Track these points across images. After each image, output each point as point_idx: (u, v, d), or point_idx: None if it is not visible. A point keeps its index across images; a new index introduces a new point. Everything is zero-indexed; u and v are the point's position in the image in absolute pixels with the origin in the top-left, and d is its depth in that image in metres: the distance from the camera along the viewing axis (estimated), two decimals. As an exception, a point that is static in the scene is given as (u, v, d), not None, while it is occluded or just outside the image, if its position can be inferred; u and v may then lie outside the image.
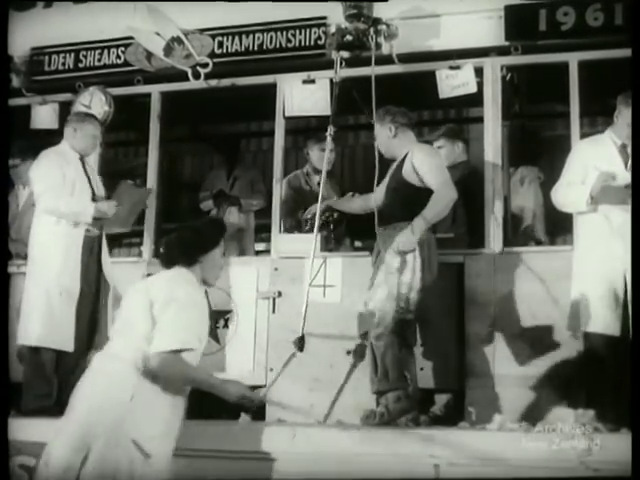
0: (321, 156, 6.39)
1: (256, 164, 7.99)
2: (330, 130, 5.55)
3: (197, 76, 6.19)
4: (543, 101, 6.74)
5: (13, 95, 6.37)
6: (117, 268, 6.19)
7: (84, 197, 5.77)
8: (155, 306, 3.83)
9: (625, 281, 4.78)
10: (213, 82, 6.27)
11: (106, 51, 6.53)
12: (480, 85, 5.77)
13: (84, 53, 6.56)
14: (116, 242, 6.59)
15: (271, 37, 6.18)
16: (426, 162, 5.22)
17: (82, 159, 5.87)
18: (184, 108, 6.58)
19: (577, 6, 5.53)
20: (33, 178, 5.81)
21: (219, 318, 5.90)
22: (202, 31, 6.27)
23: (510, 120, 5.87)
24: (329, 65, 5.81)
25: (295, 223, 6.12)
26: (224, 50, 6.27)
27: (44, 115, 6.65)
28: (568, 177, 5.10)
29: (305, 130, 7.19)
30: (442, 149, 6.06)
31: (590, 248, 4.96)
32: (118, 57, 6.50)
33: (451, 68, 5.78)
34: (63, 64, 6.62)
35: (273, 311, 5.81)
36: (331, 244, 5.92)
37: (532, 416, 5.02)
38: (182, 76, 6.22)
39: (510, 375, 5.32)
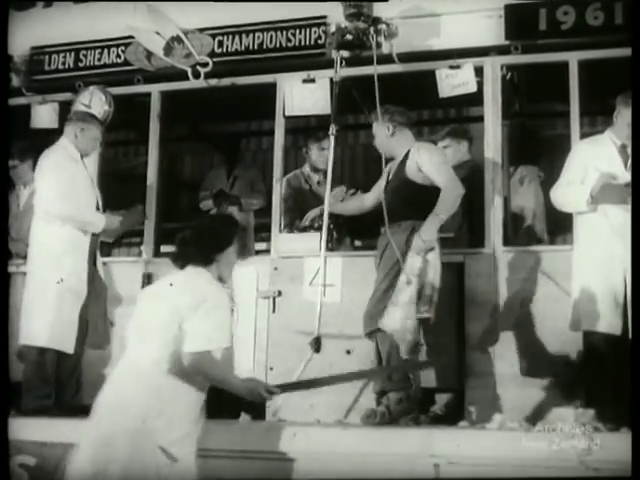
0: (320, 155, 6.40)
1: (256, 163, 7.98)
2: (332, 129, 5.55)
3: (197, 75, 6.18)
4: (543, 100, 6.73)
5: (13, 94, 6.37)
6: (117, 268, 6.21)
7: (91, 203, 5.82)
8: (182, 309, 3.81)
9: (625, 280, 4.78)
10: (213, 81, 6.27)
11: (106, 50, 6.52)
12: (480, 84, 5.77)
13: (84, 52, 6.56)
14: (116, 242, 6.58)
15: (271, 36, 6.18)
16: (431, 160, 5.24)
17: (82, 159, 5.88)
18: (184, 107, 6.58)
19: (577, 5, 5.53)
20: (42, 179, 5.76)
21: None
22: (202, 30, 6.27)
23: (510, 119, 5.87)
24: (329, 64, 5.81)
25: (295, 223, 6.11)
26: (224, 49, 6.27)
27: (44, 115, 6.65)
28: (568, 177, 5.10)
29: (305, 129, 7.19)
30: (448, 148, 6.07)
31: (590, 247, 4.96)
32: (118, 56, 6.50)
33: (451, 67, 5.78)
34: (63, 63, 6.61)
35: (273, 310, 5.81)
36: (331, 244, 5.91)
37: (532, 415, 5.03)
38: (182, 75, 6.22)
39: (510, 375, 5.32)
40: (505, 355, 5.34)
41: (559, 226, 5.82)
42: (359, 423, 4.98)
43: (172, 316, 3.82)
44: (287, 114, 6.16)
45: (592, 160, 5.02)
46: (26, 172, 6.65)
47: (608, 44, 5.39)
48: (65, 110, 6.51)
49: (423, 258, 4.99)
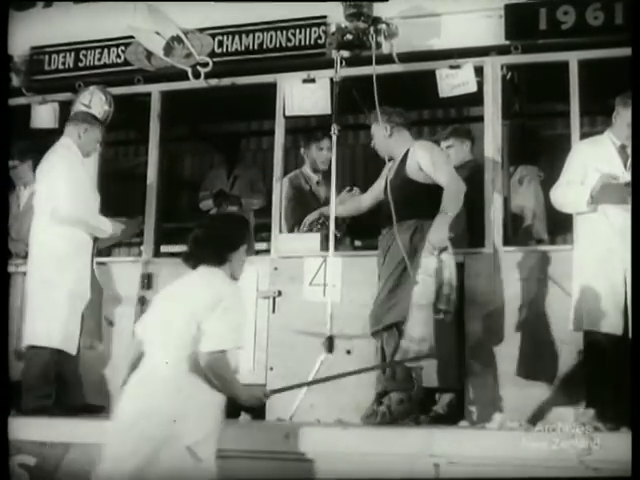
0: (319, 156, 6.40)
1: (256, 163, 7.98)
2: (334, 129, 5.55)
3: (197, 75, 6.18)
4: (543, 100, 6.73)
5: (13, 94, 6.37)
6: (117, 268, 6.21)
7: (96, 206, 5.85)
8: (200, 309, 3.81)
9: (625, 280, 4.78)
10: (213, 81, 6.27)
11: (106, 50, 6.53)
12: (480, 84, 5.77)
13: (84, 52, 6.56)
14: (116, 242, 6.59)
15: (271, 36, 6.18)
16: (432, 159, 5.25)
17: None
18: (184, 107, 6.58)
19: (577, 5, 5.53)
20: (52, 179, 5.73)
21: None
22: (202, 30, 6.27)
23: (510, 119, 5.87)
24: (329, 64, 5.81)
25: (297, 223, 6.11)
26: (224, 49, 6.27)
27: (44, 115, 6.65)
28: (567, 177, 5.10)
29: (305, 129, 7.19)
30: (451, 148, 6.06)
31: (590, 247, 4.96)
32: (118, 56, 6.50)
33: (451, 67, 5.78)
34: (63, 63, 6.62)
35: (273, 310, 5.82)
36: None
37: (532, 415, 5.02)
38: (182, 75, 6.22)
39: (510, 374, 5.32)
40: (505, 355, 5.34)
41: (559, 226, 5.82)
42: (359, 423, 4.98)
43: (191, 317, 3.82)
44: (287, 114, 6.17)
45: (592, 160, 5.02)
46: (26, 172, 6.65)
47: (608, 44, 5.39)
48: (65, 110, 6.51)
49: (437, 258, 4.98)
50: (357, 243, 6.27)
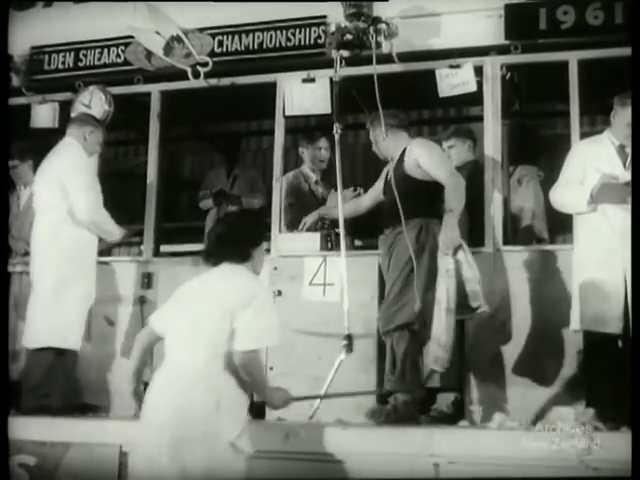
0: (316, 155, 6.40)
1: (256, 163, 7.99)
2: (336, 128, 5.55)
3: (197, 75, 6.18)
4: (543, 100, 6.73)
5: (13, 94, 6.37)
6: (117, 267, 6.21)
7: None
8: (233, 307, 3.80)
9: (625, 280, 4.78)
10: (213, 81, 6.27)
11: (106, 50, 6.52)
12: (480, 84, 5.76)
13: (84, 52, 6.56)
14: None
15: (271, 36, 6.18)
16: (430, 155, 5.25)
17: None
18: (184, 107, 6.58)
19: (577, 5, 5.53)
20: (65, 179, 5.73)
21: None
22: (202, 30, 6.27)
23: (510, 119, 5.86)
24: (329, 64, 5.81)
25: (295, 221, 6.11)
26: (224, 49, 6.27)
27: (44, 114, 6.65)
28: (567, 177, 5.09)
29: (305, 129, 7.19)
30: (452, 149, 6.06)
31: (590, 247, 4.96)
32: (118, 56, 6.50)
33: (451, 67, 5.77)
34: (63, 63, 6.62)
35: (273, 310, 5.81)
36: (330, 243, 5.92)
37: (532, 415, 5.02)
38: (182, 75, 6.22)
39: (510, 374, 5.32)
40: (505, 354, 5.33)
41: (559, 225, 5.82)
42: (359, 423, 4.98)
43: (224, 315, 3.80)
44: (287, 114, 6.16)
45: (591, 160, 5.01)
46: (26, 172, 6.66)
47: (608, 44, 5.39)
48: (65, 110, 6.52)
49: (454, 258, 4.98)
50: (357, 243, 6.26)
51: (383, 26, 5.64)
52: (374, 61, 5.48)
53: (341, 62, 5.74)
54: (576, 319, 4.96)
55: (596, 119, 6.52)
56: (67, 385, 5.65)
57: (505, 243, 5.56)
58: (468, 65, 5.75)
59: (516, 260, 5.49)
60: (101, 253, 6.09)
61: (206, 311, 3.85)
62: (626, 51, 4.78)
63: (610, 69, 5.34)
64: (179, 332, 3.91)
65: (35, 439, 4.93)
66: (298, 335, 5.57)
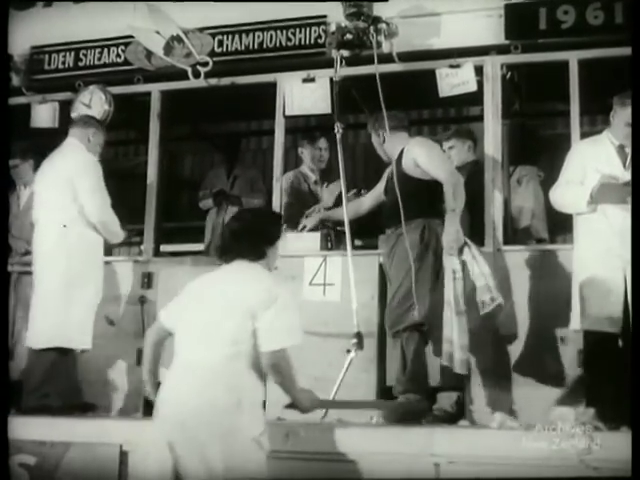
0: (315, 155, 6.39)
1: (256, 163, 7.99)
2: (337, 127, 5.54)
3: (197, 75, 6.19)
4: (543, 100, 6.73)
5: (13, 94, 6.37)
6: (117, 267, 6.21)
7: None
8: (254, 305, 3.77)
9: (625, 280, 4.78)
10: (213, 81, 6.27)
11: (106, 50, 6.53)
12: (480, 84, 5.76)
13: (84, 52, 6.57)
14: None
15: (271, 36, 6.18)
16: (428, 154, 5.24)
17: None
18: (184, 107, 6.58)
19: (577, 4, 5.53)
20: (75, 180, 5.73)
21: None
22: (202, 30, 6.27)
23: (510, 119, 5.86)
24: (329, 64, 5.81)
25: (294, 220, 6.11)
26: (224, 49, 6.27)
27: (44, 114, 6.65)
28: (566, 177, 5.09)
29: (305, 129, 7.19)
30: (453, 149, 6.05)
31: (590, 247, 4.96)
32: (118, 56, 6.50)
33: (451, 67, 5.77)
34: (63, 63, 6.62)
35: (273, 310, 5.80)
36: (330, 243, 5.92)
37: (532, 415, 5.02)
38: (182, 75, 6.22)
39: (510, 374, 5.32)
40: (505, 354, 5.33)
41: (559, 225, 5.82)
42: (359, 423, 4.97)
43: (244, 313, 3.77)
44: (287, 113, 6.16)
45: (591, 160, 5.01)
46: (27, 172, 6.66)
47: (608, 43, 5.39)
48: (65, 109, 6.52)
49: (459, 257, 4.97)
50: (357, 242, 6.26)
51: (383, 26, 5.65)
52: (375, 61, 5.48)
53: (341, 62, 5.74)
54: (576, 319, 4.96)
55: (596, 119, 6.52)
56: (68, 385, 5.65)
57: (505, 243, 5.56)
58: (468, 65, 5.75)
59: (516, 260, 5.49)
60: (101, 253, 6.09)
61: (224, 308, 3.81)
62: (626, 51, 4.77)
63: (610, 69, 5.33)
64: (192, 329, 3.86)
65: (35, 439, 4.93)
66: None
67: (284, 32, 6.15)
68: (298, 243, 5.85)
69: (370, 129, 5.55)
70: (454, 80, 5.78)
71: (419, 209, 5.15)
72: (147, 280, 6.14)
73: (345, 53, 5.76)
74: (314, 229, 5.91)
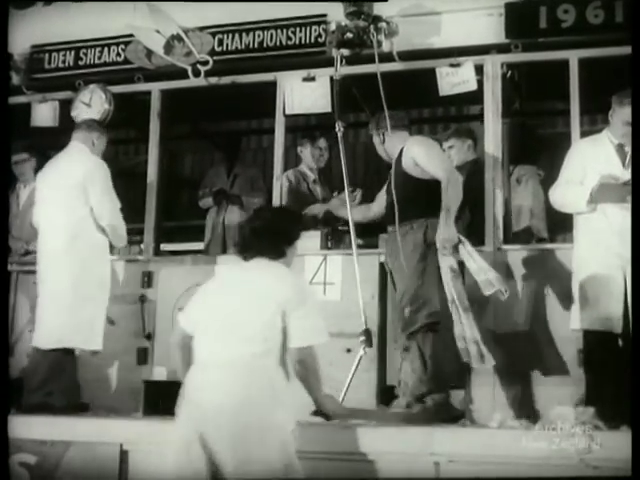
0: (315, 155, 6.39)
1: (256, 162, 7.99)
2: (339, 126, 5.54)
3: (197, 74, 6.19)
4: (543, 99, 6.73)
5: (13, 93, 6.37)
6: (117, 266, 6.21)
7: None
8: (283, 302, 3.77)
9: (625, 279, 4.78)
10: (213, 80, 6.27)
11: (106, 49, 6.53)
12: (480, 83, 5.76)
13: (84, 51, 6.57)
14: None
15: (271, 35, 6.18)
16: (427, 153, 5.20)
17: None
18: (184, 106, 6.58)
19: (577, 4, 5.53)
20: (89, 183, 5.74)
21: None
22: (202, 29, 6.27)
23: (510, 118, 5.86)
24: (329, 63, 5.81)
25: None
26: (224, 48, 6.27)
27: (44, 113, 6.66)
28: (566, 177, 5.09)
29: (305, 128, 7.19)
30: (453, 149, 6.05)
31: (590, 246, 4.96)
32: (118, 55, 6.50)
33: (451, 65, 5.77)
34: (63, 62, 6.62)
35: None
36: (331, 242, 5.92)
37: (532, 414, 5.02)
38: (182, 74, 6.22)
39: (510, 373, 5.32)
40: (505, 353, 5.33)
41: (559, 225, 5.82)
42: (359, 422, 4.97)
43: (274, 310, 3.77)
44: (287, 112, 6.16)
45: (590, 160, 5.01)
46: (28, 171, 6.67)
47: (608, 42, 5.39)
48: (65, 108, 6.52)
49: (454, 256, 4.96)
50: (358, 242, 6.26)
51: (383, 25, 5.65)
52: (377, 60, 5.48)
53: (341, 61, 5.74)
54: (576, 318, 4.96)
55: (596, 118, 6.51)
56: (70, 384, 5.65)
57: (506, 242, 5.56)
58: (468, 64, 5.75)
59: (516, 259, 5.49)
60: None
61: (253, 306, 3.81)
62: (626, 50, 4.77)
63: (610, 68, 5.33)
64: (216, 327, 3.84)
65: (35, 438, 4.92)
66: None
67: (284, 31, 6.15)
68: (298, 242, 5.83)
69: (371, 129, 5.54)
70: (454, 79, 5.78)
71: (421, 209, 5.13)
72: (147, 279, 6.15)
73: (345, 52, 5.76)
74: (317, 223, 5.90)
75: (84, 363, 5.80)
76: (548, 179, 5.60)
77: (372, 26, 5.61)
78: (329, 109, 5.94)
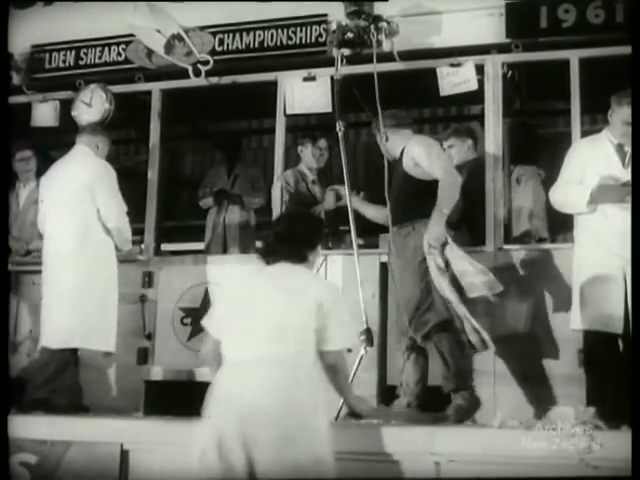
0: (314, 155, 6.40)
1: (257, 162, 7.99)
2: (339, 126, 5.54)
3: (198, 73, 6.19)
4: (544, 98, 6.73)
5: (14, 93, 6.37)
6: (118, 266, 6.20)
7: None
8: (316, 307, 3.78)
9: (625, 279, 4.78)
10: (214, 79, 6.27)
11: (107, 49, 6.53)
12: (481, 82, 5.77)
13: (85, 51, 6.57)
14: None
15: (272, 34, 6.18)
16: (427, 153, 5.18)
17: None
18: (185, 106, 6.58)
19: (578, 3, 5.53)
20: (97, 186, 5.76)
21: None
22: (203, 28, 6.28)
23: (511, 117, 5.87)
24: (330, 62, 5.81)
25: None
26: (225, 47, 6.27)
27: (45, 113, 6.66)
28: (566, 177, 5.08)
29: (306, 127, 7.19)
30: (452, 148, 6.04)
31: (590, 246, 4.95)
32: (119, 55, 6.50)
33: (452, 65, 5.78)
34: (64, 62, 6.62)
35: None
36: (331, 242, 5.92)
37: (533, 414, 5.02)
38: (183, 74, 6.23)
39: (511, 373, 5.32)
40: (505, 353, 5.33)
41: (560, 225, 5.82)
42: (360, 422, 4.97)
43: (308, 311, 3.78)
44: (288, 112, 6.17)
45: (590, 160, 5.01)
46: (28, 170, 6.67)
47: (609, 42, 5.39)
48: (66, 108, 6.52)
49: (442, 255, 4.95)
50: (358, 241, 6.25)
51: (384, 24, 5.65)
52: (374, 60, 5.48)
53: (342, 60, 5.74)
54: (576, 318, 4.95)
55: (597, 118, 6.50)
56: (72, 385, 5.66)
57: (506, 242, 5.56)
58: (469, 63, 5.76)
59: (517, 259, 5.49)
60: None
61: (286, 306, 3.81)
62: (627, 49, 4.77)
63: (611, 68, 5.33)
64: (248, 329, 3.82)
65: (36, 437, 4.92)
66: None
67: (285, 31, 6.15)
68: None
69: (374, 128, 5.54)
70: (455, 79, 5.78)
71: (422, 210, 5.10)
72: (147, 279, 6.15)
73: (346, 52, 5.76)
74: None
75: (84, 363, 5.79)
76: (549, 179, 5.60)
77: (373, 26, 5.61)
78: (330, 109, 5.94)
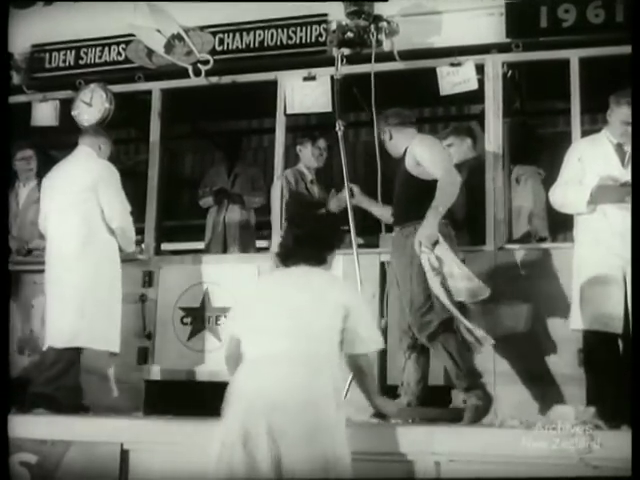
0: (313, 154, 6.40)
1: (257, 161, 7.99)
2: (339, 125, 5.53)
3: (198, 73, 6.19)
4: (544, 98, 6.73)
5: (14, 92, 6.37)
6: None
7: None
8: (341, 309, 3.81)
9: (625, 279, 4.78)
10: (214, 79, 6.27)
11: (107, 48, 6.53)
12: (481, 82, 5.77)
13: (85, 50, 6.57)
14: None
15: (272, 34, 6.18)
16: (430, 152, 5.16)
17: None
18: (185, 105, 6.58)
19: (578, 3, 5.53)
20: (101, 186, 5.76)
21: (220, 315, 5.90)
22: (203, 28, 6.27)
23: (511, 117, 5.87)
24: (330, 62, 5.82)
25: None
26: (225, 47, 6.27)
27: (45, 112, 6.66)
28: (566, 177, 5.09)
29: (306, 127, 7.19)
30: (451, 147, 6.03)
31: (590, 246, 4.95)
32: (119, 54, 6.50)
33: (452, 65, 5.78)
34: (64, 61, 6.62)
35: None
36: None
37: (533, 414, 5.02)
38: (183, 73, 6.23)
39: (511, 373, 5.32)
40: (505, 353, 5.33)
41: (560, 224, 5.82)
42: (360, 421, 4.97)
43: (334, 313, 3.82)
44: (288, 112, 6.17)
45: (590, 160, 5.01)
46: (30, 169, 6.67)
47: (609, 42, 5.39)
48: (66, 108, 6.52)
49: (433, 254, 4.93)
50: (359, 241, 6.25)
51: (384, 24, 5.65)
52: (372, 59, 5.48)
53: (342, 60, 5.75)
54: (576, 318, 4.95)
55: (597, 117, 6.50)
56: (74, 384, 5.66)
57: (506, 242, 5.56)
58: (469, 63, 5.76)
59: (517, 258, 5.49)
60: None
61: (311, 307, 3.83)
62: (627, 49, 4.77)
63: (611, 67, 5.33)
64: (265, 329, 3.83)
65: (36, 437, 4.92)
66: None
67: (285, 30, 6.15)
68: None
69: (377, 128, 5.52)
70: (455, 78, 5.78)
71: (424, 210, 5.08)
72: (148, 278, 6.15)
73: (346, 51, 5.77)
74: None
75: (84, 363, 5.79)
76: (549, 178, 5.60)
77: (373, 25, 5.62)
78: (329, 108, 5.94)
